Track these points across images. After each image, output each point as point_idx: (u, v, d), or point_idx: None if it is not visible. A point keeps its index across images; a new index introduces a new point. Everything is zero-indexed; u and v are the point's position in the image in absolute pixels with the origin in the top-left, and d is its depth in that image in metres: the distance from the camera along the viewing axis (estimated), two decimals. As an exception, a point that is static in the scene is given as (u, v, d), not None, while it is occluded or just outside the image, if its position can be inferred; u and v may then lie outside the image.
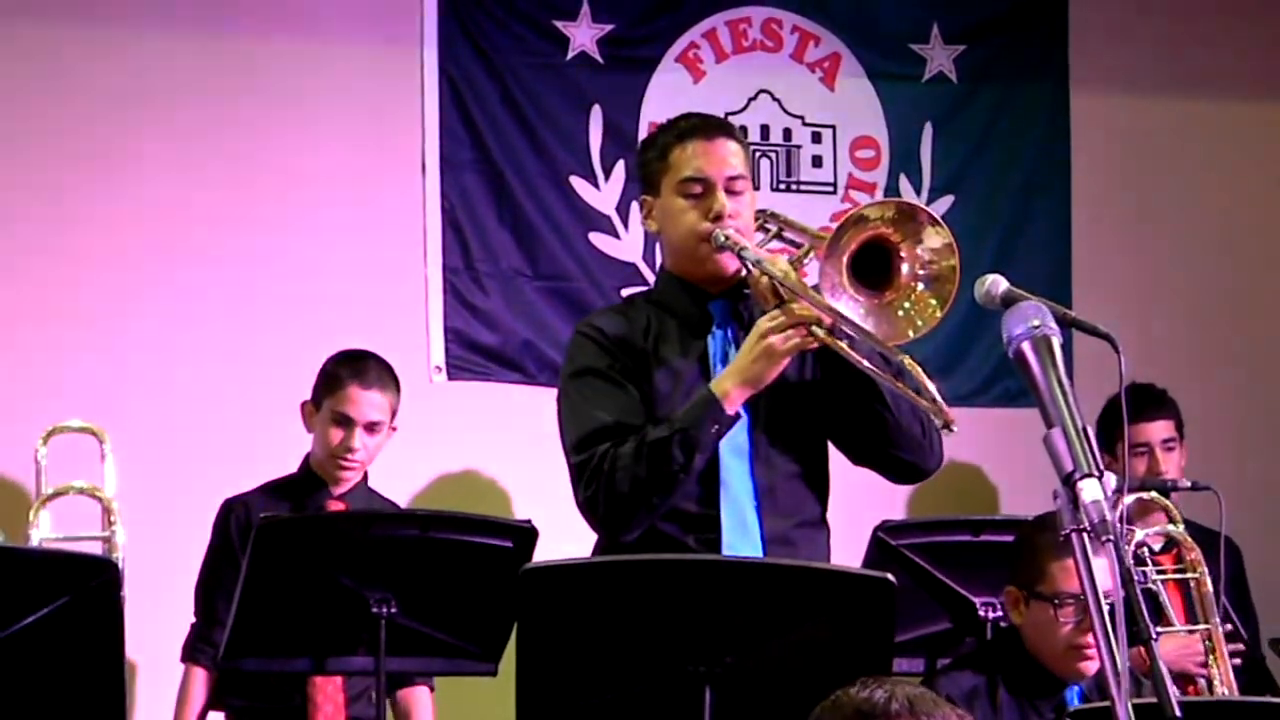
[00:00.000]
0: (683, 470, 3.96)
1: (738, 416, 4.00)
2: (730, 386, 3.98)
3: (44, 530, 4.95)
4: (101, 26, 5.90)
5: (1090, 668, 4.10)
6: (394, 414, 5.07)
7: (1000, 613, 4.43)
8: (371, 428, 5.00)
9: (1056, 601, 4.09)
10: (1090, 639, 4.03)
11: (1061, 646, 4.11)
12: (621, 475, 3.96)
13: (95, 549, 4.87)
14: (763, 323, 3.98)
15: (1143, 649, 2.64)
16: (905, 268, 3.95)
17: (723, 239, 4.08)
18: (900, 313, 3.93)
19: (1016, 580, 4.19)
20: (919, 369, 3.86)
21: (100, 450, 5.06)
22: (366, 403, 5.00)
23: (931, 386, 3.84)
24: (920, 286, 3.94)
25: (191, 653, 5.00)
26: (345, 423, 5.00)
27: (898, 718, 2.56)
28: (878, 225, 3.94)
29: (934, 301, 3.93)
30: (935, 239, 3.94)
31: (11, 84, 5.81)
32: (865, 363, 3.94)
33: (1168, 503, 5.19)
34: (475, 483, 6.06)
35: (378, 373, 5.04)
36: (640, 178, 4.28)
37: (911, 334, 3.93)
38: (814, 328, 3.94)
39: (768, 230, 4.31)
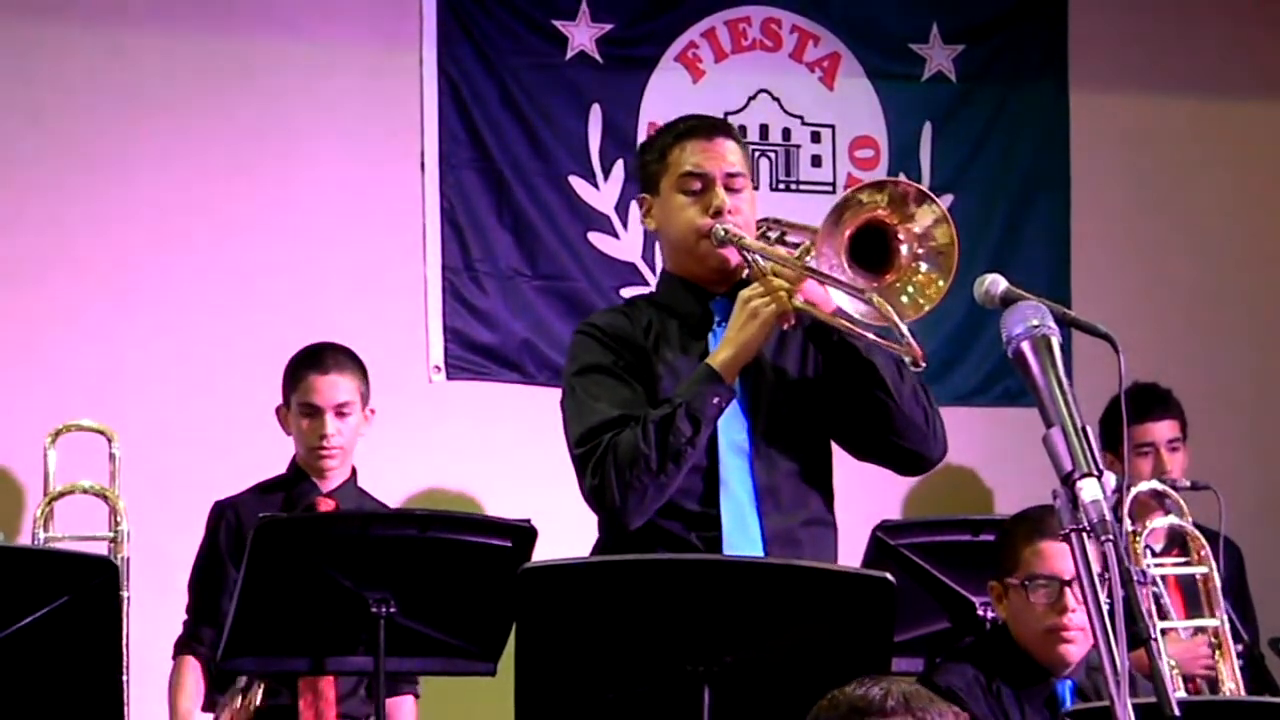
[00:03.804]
0: (690, 444, 3.96)
1: (734, 392, 4.02)
2: (725, 356, 4.00)
3: (51, 529, 4.97)
4: (101, 26, 5.90)
5: (1071, 651, 4.13)
6: (365, 399, 5.11)
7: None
8: (341, 411, 5.05)
9: (1029, 584, 4.13)
10: (1067, 620, 4.10)
11: (1040, 630, 4.14)
12: (629, 457, 3.95)
13: (101, 549, 4.88)
14: (745, 292, 4.02)
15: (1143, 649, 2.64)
16: (904, 248, 3.96)
17: (723, 233, 4.08)
18: (905, 298, 3.94)
19: (997, 575, 4.24)
20: (889, 307, 3.86)
21: (108, 450, 5.08)
22: (328, 386, 5.04)
23: (903, 325, 3.85)
24: (923, 266, 3.95)
25: (184, 648, 5.01)
26: (314, 411, 5.04)
27: (893, 715, 2.57)
28: (873, 208, 3.95)
29: (936, 276, 3.94)
30: (928, 215, 3.95)
31: (12, 84, 5.81)
32: (851, 326, 3.93)
33: (1177, 495, 5.19)
34: (474, 482, 6.05)
35: (334, 358, 5.10)
36: (640, 179, 4.28)
37: (926, 307, 3.93)
38: (795, 301, 3.95)
39: (769, 238, 4.31)
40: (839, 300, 3.95)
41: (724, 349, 4.02)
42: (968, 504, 6.20)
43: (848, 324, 3.96)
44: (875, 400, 4.05)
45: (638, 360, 4.12)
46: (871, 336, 3.95)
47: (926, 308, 3.94)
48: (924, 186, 4.22)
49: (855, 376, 4.05)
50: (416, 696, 5.13)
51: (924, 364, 3.88)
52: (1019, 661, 4.18)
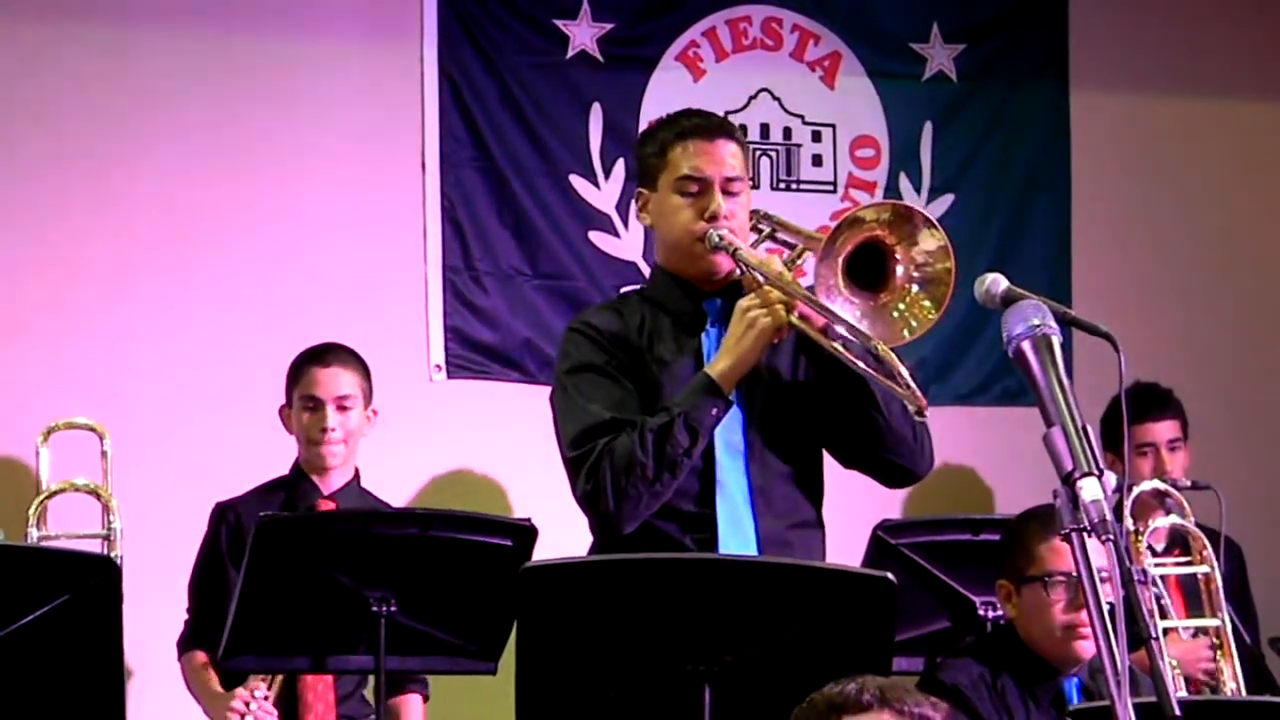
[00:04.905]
0: (687, 454, 3.97)
1: (731, 402, 4.01)
2: (723, 367, 4.00)
3: (44, 527, 4.96)
4: (101, 26, 5.90)
5: (1086, 648, 4.12)
6: (367, 398, 5.12)
7: (1000, 611, 4.44)
8: (343, 405, 5.06)
9: (1047, 579, 4.13)
10: (1084, 616, 4.06)
11: (1057, 627, 4.14)
12: (624, 464, 3.96)
13: (95, 546, 4.87)
14: (743, 302, 4.01)
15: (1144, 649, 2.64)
16: (900, 269, 3.95)
17: (717, 239, 4.07)
18: (895, 314, 3.94)
19: (1006, 573, 4.23)
20: (893, 356, 3.87)
21: (100, 447, 5.08)
22: (329, 379, 5.07)
23: (905, 373, 3.86)
24: (915, 288, 3.95)
25: (190, 644, 5.02)
26: (315, 404, 5.06)
27: (869, 708, 2.59)
28: (873, 227, 3.94)
29: (928, 304, 3.94)
30: (930, 241, 3.95)
31: (12, 83, 5.81)
32: (843, 351, 3.94)
33: (1179, 495, 5.19)
34: (475, 481, 6.06)
35: (336, 354, 5.12)
36: (638, 171, 4.28)
37: (907, 335, 3.94)
38: (791, 316, 3.95)
39: (761, 231, 4.31)
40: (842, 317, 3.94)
41: (722, 359, 4.01)
42: (968, 504, 6.20)
43: (842, 350, 3.95)
44: (865, 416, 4.06)
45: (631, 359, 4.12)
46: (862, 366, 3.94)
47: (918, 332, 3.94)
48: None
49: (846, 391, 4.05)
50: (426, 698, 5.14)
51: (926, 416, 3.88)
52: (1026, 660, 4.18)
